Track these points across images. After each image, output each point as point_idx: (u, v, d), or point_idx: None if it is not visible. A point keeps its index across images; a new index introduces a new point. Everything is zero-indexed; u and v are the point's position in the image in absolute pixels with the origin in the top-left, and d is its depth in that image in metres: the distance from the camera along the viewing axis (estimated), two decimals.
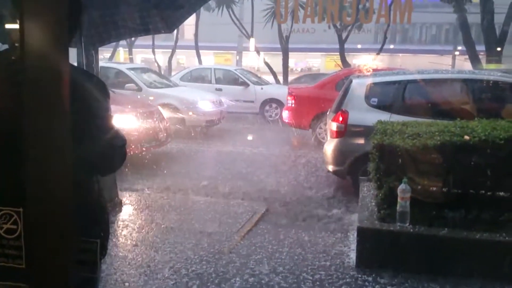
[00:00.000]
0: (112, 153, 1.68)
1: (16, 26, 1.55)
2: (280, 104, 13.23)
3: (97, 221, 1.68)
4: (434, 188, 4.10)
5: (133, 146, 6.87)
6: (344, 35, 17.99)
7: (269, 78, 18.30)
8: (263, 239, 4.61)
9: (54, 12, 0.89)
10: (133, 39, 24.32)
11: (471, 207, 4.07)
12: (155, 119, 7.88)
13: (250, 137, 11.22)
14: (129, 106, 7.70)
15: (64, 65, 1.62)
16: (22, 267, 1.51)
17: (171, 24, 4.22)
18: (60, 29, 1.34)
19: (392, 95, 6.23)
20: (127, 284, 3.61)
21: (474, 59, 15.50)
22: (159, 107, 8.65)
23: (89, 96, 1.60)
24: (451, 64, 30.55)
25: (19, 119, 1.52)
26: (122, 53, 31.21)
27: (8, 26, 1.58)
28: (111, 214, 4.97)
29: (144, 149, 7.35)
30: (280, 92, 13.46)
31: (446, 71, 7.87)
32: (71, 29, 1.69)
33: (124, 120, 7.00)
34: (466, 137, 4.02)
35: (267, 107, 13.75)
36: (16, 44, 1.56)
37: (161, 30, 4.27)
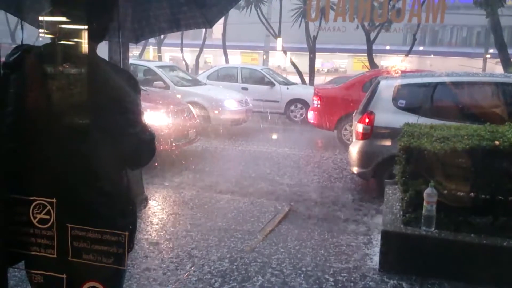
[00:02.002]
0: (141, 147, 1.72)
1: (57, 19, 1.61)
2: (305, 104, 13.18)
3: (126, 214, 1.72)
4: (461, 193, 4.04)
5: (163, 143, 6.97)
6: (372, 35, 17.79)
7: (295, 78, 18.26)
8: (286, 239, 4.62)
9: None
10: (162, 37, 24.59)
11: (499, 213, 4.00)
12: (185, 117, 7.97)
13: (274, 137, 11.22)
14: (161, 104, 7.81)
15: (96, 60, 1.68)
16: (53, 257, 1.56)
17: (211, 18, 4.26)
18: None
19: (420, 97, 6.15)
20: (150, 279, 3.67)
21: (506, 62, 15.13)
22: (189, 105, 8.74)
23: (120, 91, 1.64)
24: (482, 67, 29.90)
25: (57, 113, 1.58)
26: (151, 51, 31.60)
27: (51, 19, 1.64)
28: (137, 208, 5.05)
29: (174, 146, 7.44)
30: (306, 92, 13.41)
31: (477, 74, 7.71)
32: (106, 23, 1.73)
33: (156, 117, 7.10)
34: (497, 142, 3.94)
35: (292, 107, 13.72)
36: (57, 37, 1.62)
37: (201, 25, 4.31)
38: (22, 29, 2.04)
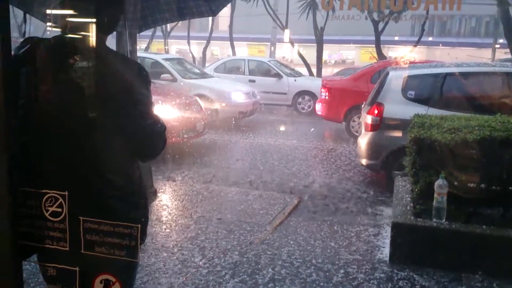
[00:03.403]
0: (153, 138, 1.71)
1: (67, 12, 1.60)
2: (313, 96, 13.13)
3: (138, 207, 1.72)
4: (472, 184, 4.01)
5: (172, 136, 6.97)
6: (380, 26, 17.63)
7: (303, 70, 18.17)
8: (295, 231, 4.61)
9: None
10: (168, 29, 24.57)
11: (509, 204, 3.97)
12: (193, 110, 7.97)
13: (282, 129, 11.21)
14: (168, 96, 7.81)
15: (107, 52, 1.67)
16: (65, 249, 1.56)
17: (214, 7, 4.22)
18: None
19: (430, 88, 6.10)
20: (161, 271, 3.68)
21: None
22: (197, 98, 8.73)
23: (131, 83, 1.63)
24: (491, 57, 29.59)
25: (68, 106, 1.57)
26: (152, 44, 31.56)
27: (60, 12, 1.63)
28: None
29: (182, 139, 7.44)
30: (313, 84, 13.35)
31: (487, 64, 7.63)
32: (116, 15, 1.72)
33: (164, 110, 7.10)
34: None
35: (300, 99, 13.68)
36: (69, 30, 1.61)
37: (205, 13, 4.28)
38: (25, 21, 2.04)
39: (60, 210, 1.56)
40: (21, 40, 1.71)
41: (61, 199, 1.55)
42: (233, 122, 10.82)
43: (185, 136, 7.50)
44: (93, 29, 1.59)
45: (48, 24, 1.78)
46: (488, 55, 30.16)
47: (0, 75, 1.24)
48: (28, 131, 1.63)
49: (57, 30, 1.66)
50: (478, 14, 34.80)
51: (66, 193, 1.54)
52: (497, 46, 29.19)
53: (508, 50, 15.84)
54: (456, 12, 31.84)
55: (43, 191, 1.56)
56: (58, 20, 1.65)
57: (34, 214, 1.57)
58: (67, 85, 1.57)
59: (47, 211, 1.56)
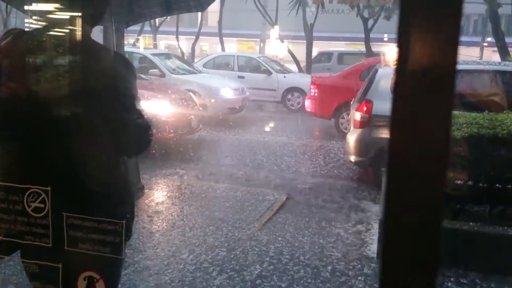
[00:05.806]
0: (138, 133, 1.68)
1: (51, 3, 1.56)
2: (302, 93, 13.13)
3: (123, 203, 1.69)
4: (459, 181, 4.02)
5: (166, 132, 6.91)
6: (369, 24, 17.70)
7: (292, 66, 18.16)
8: (283, 228, 4.60)
9: None
10: (157, 24, 24.44)
11: (496, 202, 3.99)
12: (187, 105, 7.91)
13: (271, 126, 11.19)
14: (163, 92, 7.73)
15: (91, 45, 1.63)
16: (48, 246, 1.53)
17: (203, 2, 4.17)
18: None
19: None
20: (148, 268, 3.65)
21: (503, 51, 15.11)
22: (192, 94, 8.66)
23: (116, 76, 1.60)
24: (479, 55, 29.85)
25: (51, 99, 1.53)
26: (146, 39, 31.36)
27: (45, 3, 1.59)
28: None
29: (177, 135, 7.35)
30: (303, 80, 13.35)
31: (475, 61, 7.68)
32: (101, 7, 1.68)
33: (159, 106, 7.01)
34: None
35: (289, 96, 13.67)
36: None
37: (193, 8, 4.23)
38: (7, 13, 1.99)
39: (42, 205, 1.52)
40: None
41: (43, 195, 1.51)
42: (222, 118, 10.78)
43: (179, 132, 7.43)
44: (77, 22, 1.55)
45: (31, 16, 1.74)
46: (476, 53, 30.43)
47: None
48: (9, 125, 1.59)
49: (41, 23, 1.62)
50: (467, 13, 35.03)
51: (49, 188, 1.51)
52: (485, 44, 29.51)
53: (495, 48, 16.00)
54: None
55: (25, 186, 1.53)
56: (41, 12, 1.61)
57: (16, 209, 1.54)
58: (50, 79, 1.53)
59: (29, 206, 1.53)
